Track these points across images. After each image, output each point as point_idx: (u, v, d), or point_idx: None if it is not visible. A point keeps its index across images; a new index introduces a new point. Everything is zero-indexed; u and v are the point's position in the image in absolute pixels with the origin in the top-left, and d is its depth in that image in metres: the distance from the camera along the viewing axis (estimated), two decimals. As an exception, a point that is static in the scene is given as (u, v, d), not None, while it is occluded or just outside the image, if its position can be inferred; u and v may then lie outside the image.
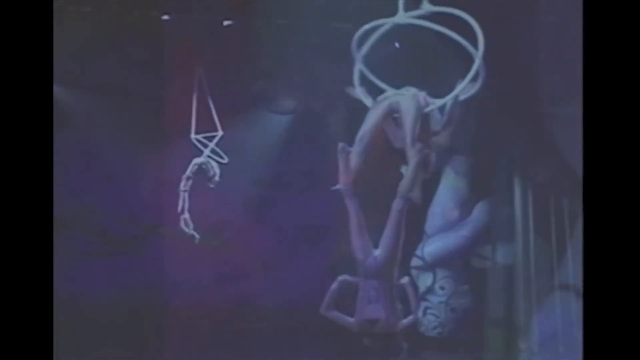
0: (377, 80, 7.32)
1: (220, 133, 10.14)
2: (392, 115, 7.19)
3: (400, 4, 7.08)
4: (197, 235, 9.97)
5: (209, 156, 10.05)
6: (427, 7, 7.06)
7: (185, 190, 9.93)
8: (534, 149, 10.35)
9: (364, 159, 7.01)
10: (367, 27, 7.18)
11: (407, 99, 7.16)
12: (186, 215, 9.95)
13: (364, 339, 6.94)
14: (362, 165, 7.00)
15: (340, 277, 7.02)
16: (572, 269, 9.91)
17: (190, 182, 9.96)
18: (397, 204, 6.90)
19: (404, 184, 6.91)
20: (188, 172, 9.97)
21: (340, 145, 6.95)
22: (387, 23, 7.16)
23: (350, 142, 7.06)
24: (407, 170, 6.92)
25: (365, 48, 7.22)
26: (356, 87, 7.32)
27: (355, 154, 7.00)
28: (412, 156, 6.92)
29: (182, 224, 9.94)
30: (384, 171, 7.25)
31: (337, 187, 6.98)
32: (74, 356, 9.19)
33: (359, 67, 7.26)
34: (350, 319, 6.95)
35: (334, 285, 7.04)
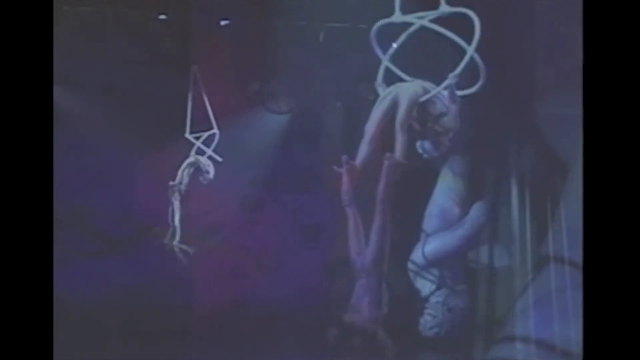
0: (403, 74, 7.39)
1: (216, 132, 10.15)
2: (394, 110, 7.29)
3: (397, 4, 7.18)
4: (185, 249, 9.99)
5: (202, 155, 10.06)
6: (443, 8, 7.20)
7: (176, 196, 9.94)
8: (531, 149, 10.36)
9: (368, 160, 7.05)
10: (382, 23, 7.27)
11: (405, 89, 7.30)
12: (177, 223, 9.96)
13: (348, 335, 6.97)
14: (365, 167, 7.05)
15: None
16: (570, 269, 9.92)
17: (182, 187, 9.96)
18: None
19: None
20: (180, 176, 9.98)
21: (344, 157, 7.02)
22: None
23: (348, 142, 7.07)
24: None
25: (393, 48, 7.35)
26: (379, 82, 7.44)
27: (361, 152, 7.05)
28: (399, 139, 7.02)
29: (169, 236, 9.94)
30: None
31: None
32: (73, 356, 9.17)
33: (385, 64, 7.38)
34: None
35: None
